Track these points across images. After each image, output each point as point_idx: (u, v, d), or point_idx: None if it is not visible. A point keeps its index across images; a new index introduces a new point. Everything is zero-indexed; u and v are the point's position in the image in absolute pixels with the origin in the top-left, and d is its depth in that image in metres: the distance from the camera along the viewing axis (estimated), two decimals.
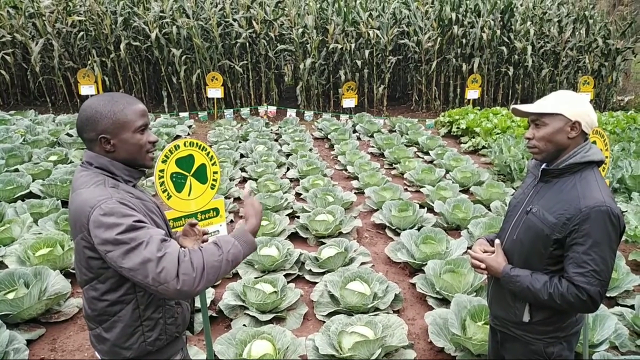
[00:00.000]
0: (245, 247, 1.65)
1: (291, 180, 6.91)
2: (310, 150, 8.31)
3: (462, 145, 9.11)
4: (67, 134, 8.67)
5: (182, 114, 11.05)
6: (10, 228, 4.70)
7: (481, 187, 6.22)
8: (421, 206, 5.68)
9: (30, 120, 9.71)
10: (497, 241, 2.06)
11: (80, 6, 11.56)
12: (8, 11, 11.33)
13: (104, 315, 1.67)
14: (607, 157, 3.08)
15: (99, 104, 1.64)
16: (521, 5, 12.88)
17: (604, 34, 12.65)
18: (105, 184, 1.62)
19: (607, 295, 3.87)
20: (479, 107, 11.07)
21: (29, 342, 3.40)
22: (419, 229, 4.91)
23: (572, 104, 1.86)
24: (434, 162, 7.73)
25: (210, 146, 8.18)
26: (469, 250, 2.10)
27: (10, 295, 3.54)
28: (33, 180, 6.09)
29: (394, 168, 7.66)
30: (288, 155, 8.13)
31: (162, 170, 2.54)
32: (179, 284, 1.47)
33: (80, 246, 1.60)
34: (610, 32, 12.65)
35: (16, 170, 6.57)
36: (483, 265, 2.01)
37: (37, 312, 3.60)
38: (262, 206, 1.89)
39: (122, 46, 11.04)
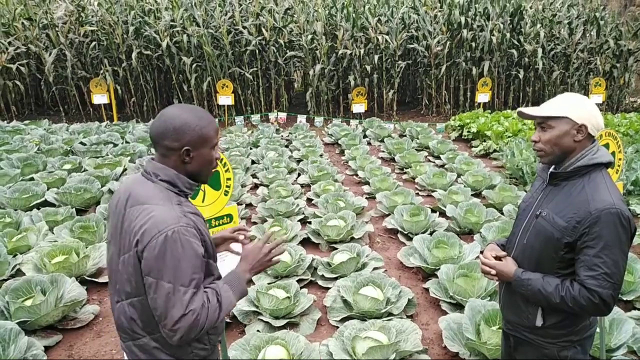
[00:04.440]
0: (238, 299, 1.76)
1: (302, 185, 6.93)
2: (321, 155, 8.32)
3: (473, 149, 9.08)
4: (81, 143, 8.78)
5: None
6: (26, 236, 4.77)
7: (493, 190, 6.18)
8: (433, 210, 5.67)
9: (44, 129, 9.87)
10: (502, 253, 2.07)
11: (93, 16, 11.74)
12: (22, 23, 11.55)
13: (155, 324, 1.67)
14: (620, 159, 3.06)
15: (187, 117, 1.68)
16: (531, 7, 12.83)
17: (615, 35, 12.55)
18: (172, 201, 1.66)
19: (624, 299, 3.82)
20: (489, 111, 11.04)
21: (47, 349, 3.44)
22: (431, 234, 4.89)
23: (578, 107, 1.86)
24: (445, 166, 7.71)
25: (222, 153, 8.24)
26: (480, 256, 2.09)
27: (28, 302, 3.60)
28: (48, 189, 6.17)
29: (405, 173, 7.65)
30: (299, 161, 8.16)
31: None
32: (179, 340, 1.58)
33: (134, 261, 1.62)
34: (621, 33, 12.54)
35: (31, 179, 6.67)
36: (493, 272, 2.00)
37: (54, 319, 3.65)
38: (271, 258, 1.88)
39: (133, 55, 11.18)
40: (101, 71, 11.34)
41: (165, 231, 1.55)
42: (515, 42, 12.20)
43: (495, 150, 8.58)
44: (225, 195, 2.82)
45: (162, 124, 1.67)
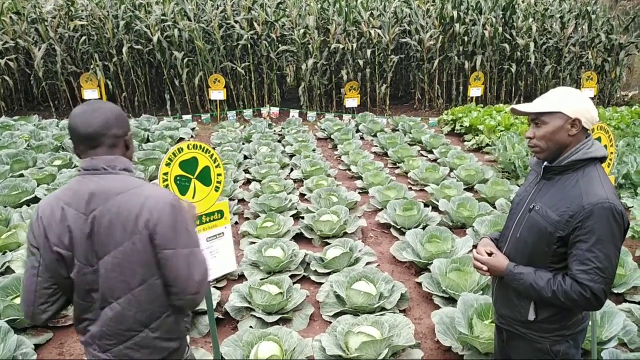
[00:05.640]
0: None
1: (295, 180, 6.90)
2: (314, 150, 8.30)
3: (465, 143, 9.09)
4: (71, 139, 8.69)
5: (185, 117, 11.07)
6: (16, 233, 4.72)
7: (486, 184, 6.20)
8: (426, 205, 5.67)
9: (34, 125, 9.76)
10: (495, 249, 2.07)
11: (82, 11, 11.59)
12: (11, 17, 11.38)
13: (156, 312, 1.68)
14: (612, 152, 3.06)
15: (116, 107, 1.76)
16: (523, 1, 12.84)
17: (606, 29, 12.59)
18: (147, 182, 1.74)
19: (615, 291, 3.85)
20: (482, 105, 11.05)
21: (37, 347, 3.41)
22: (424, 228, 4.89)
23: (571, 101, 1.85)
24: (438, 161, 7.71)
25: (214, 148, 8.16)
26: (473, 251, 2.09)
27: (17, 300, 3.56)
28: (38, 185, 6.11)
29: (398, 167, 7.65)
30: (291, 156, 8.13)
31: (166, 174, 2.54)
32: (201, 298, 1.71)
33: (142, 244, 1.60)
34: (613, 27, 12.58)
35: (21, 175, 6.60)
36: (485, 268, 2.00)
37: None
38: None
39: (124, 50, 11.06)
40: (91, 66, 11.21)
41: (169, 201, 1.64)
42: (508, 36, 12.21)
43: (487, 145, 8.60)
44: (216, 191, 2.79)
45: (102, 115, 1.69)
